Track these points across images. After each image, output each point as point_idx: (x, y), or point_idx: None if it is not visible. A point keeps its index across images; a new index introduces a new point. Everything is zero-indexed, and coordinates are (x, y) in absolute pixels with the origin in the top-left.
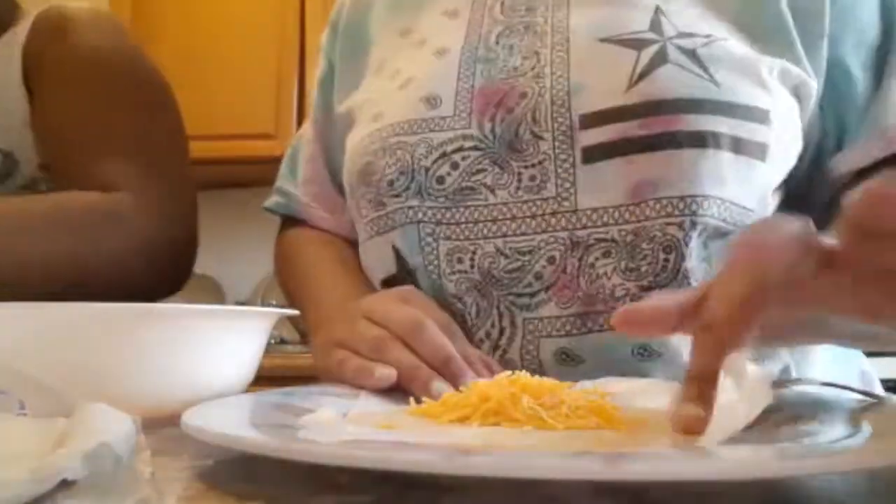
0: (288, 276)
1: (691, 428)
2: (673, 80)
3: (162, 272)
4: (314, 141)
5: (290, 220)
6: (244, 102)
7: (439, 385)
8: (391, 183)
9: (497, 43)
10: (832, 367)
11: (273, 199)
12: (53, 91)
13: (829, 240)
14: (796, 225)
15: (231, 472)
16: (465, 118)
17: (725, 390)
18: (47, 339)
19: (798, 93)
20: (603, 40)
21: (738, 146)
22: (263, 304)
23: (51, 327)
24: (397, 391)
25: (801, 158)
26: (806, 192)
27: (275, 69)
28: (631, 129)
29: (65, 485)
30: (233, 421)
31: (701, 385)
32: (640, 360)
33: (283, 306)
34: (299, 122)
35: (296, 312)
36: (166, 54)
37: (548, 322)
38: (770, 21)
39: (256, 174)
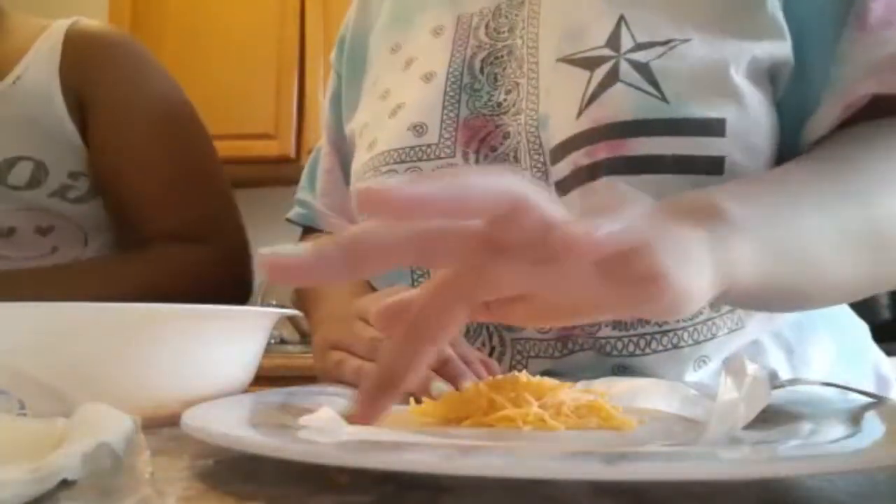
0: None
1: (355, 419)
2: (621, 102)
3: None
4: (330, 153)
5: (309, 230)
6: (244, 102)
7: (439, 385)
8: None
9: (482, 71)
10: (836, 366)
11: (294, 211)
12: (110, 133)
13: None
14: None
15: (231, 472)
16: (450, 147)
17: (725, 390)
18: (47, 339)
19: (773, 74)
20: (561, 60)
21: (688, 165)
22: (263, 304)
23: (51, 327)
24: None
25: (790, 135)
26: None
27: (275, 69)
28: (579, 157)
29: (65, 485)
30: (233, 421)
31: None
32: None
33: (283, 306)
34: (299, 122)
35: (296, 312)
36: (167, 54)
37: (532, 343)
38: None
39: (256, 174)
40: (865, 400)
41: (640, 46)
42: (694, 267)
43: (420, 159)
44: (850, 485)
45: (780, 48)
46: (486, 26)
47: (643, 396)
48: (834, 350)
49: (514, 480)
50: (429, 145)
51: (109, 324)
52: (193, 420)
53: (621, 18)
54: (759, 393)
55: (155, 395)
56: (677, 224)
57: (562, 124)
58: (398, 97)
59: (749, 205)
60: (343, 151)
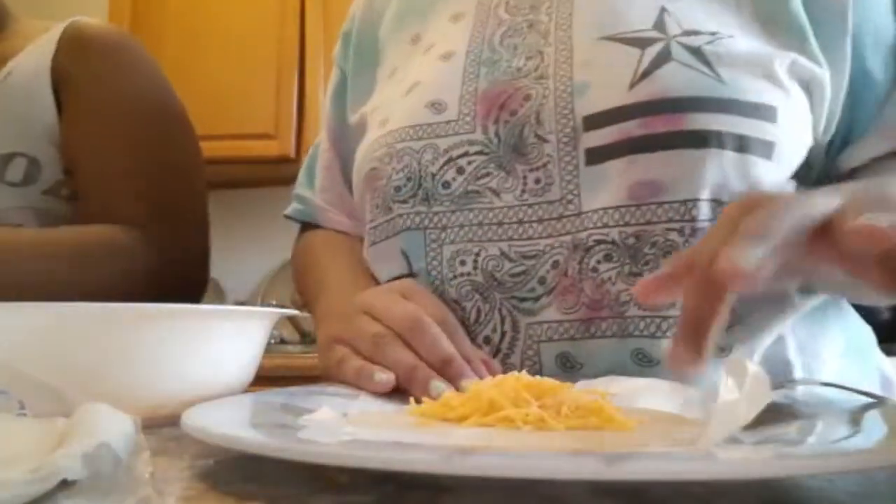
0: (303, 278)
1: (683, 369)
2: (676, 79)
3: (167, 297)
4: (329, 150)
5: (308, 226)
6: (244, 102)
7: (438, 385)
8: (398, 189)
9: (501, 44)
10: (843, 364)
11: (293, 207)
12: (82, 118)
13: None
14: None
15: (231, 472)
16: (470, 122)
17: (726, 390)
18: (47, 339)
19: (809, 87)
20: (605, 38)
21: (743, 145)
22: (263, 304)
23: (51, 327)
24: (397, 391)
25: (810, 156)
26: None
27: (275, 69)
28: (633, 128)
29: (65, 485)
30: (232, 421)
31: (691, 328)
32: (640, 367)
33: (283, 306)
34: (299, 122)
35: (296, 312)
36: (167, 54)
37: (548, 327)
38: (782, 16)
39: (256, 174)
40: (866, 400)
41: (686, 33)
42: None
43: (438, 136)
44: (850, 485)
45: (817, 69)
46: (507, 4)
47: (644, 397)
48: (842, 346)
49: (514, 480)
50: (447, 122)
51: (109, 324)
52: (193, 420)
53: (662, 9)
54: (759, 393)
55: (155, 395)
56: None
57: (608, 94)
58: (414, 77)
59: None
60: (343, 147)
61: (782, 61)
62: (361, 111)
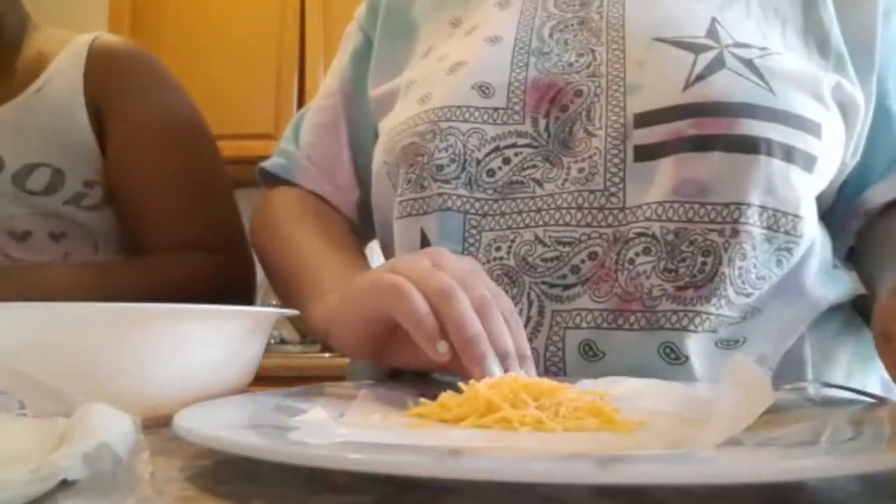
0: (272, 240)
1: None
2: (730, 85)
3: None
4: (340, 105)
5: (275, 185)
6: (244, 102)
7: (494, 367)
8: (440, 168)
9: (550, 36)
10: (853, 367)
11: (273, 161)
12: (126, 146)
13: None
14: None
15: (230, 473)
16: (519, 112)
17: (727, 391)
18: (47, 339)
19: (847, 110)
20: (659, 40)
21: (790, 155)
22: (263, 304)
23: (51, 327)
24: (395, 392)
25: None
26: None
27: (275, 69)
28: (684, 128)
29: (65, 485)
30: (224, 422)
31: None
32: (666, 363)
33: (283, 306)
34: None
35: (296, 312)
36: (167, 54)
37: (577, 314)
38: (826, 42)
39: (256, 174)
40: (866, 401)
41: (738, 45)
42: None
43: (485, 122)
44: (850, 485)
45: (856, 94)
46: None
47: (644, 397)
48: (851, 349)
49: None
50: (496, 109)
51: (109, 324)
52: (185, 422)
53: (714, 20)
54: (760, 394)
55: (155, 395)
56: None
57: (661, 94)
58: (457, 57)
59: None
60: (357, 114)
61: (828, 82)
62: (387, 86)
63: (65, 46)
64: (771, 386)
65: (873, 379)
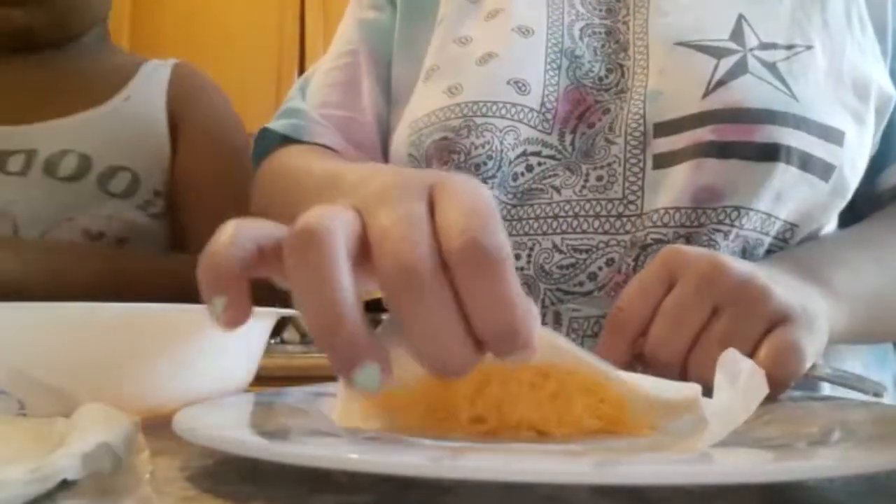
0: (285, 190)
1: None
2: (751, 91)
3: None
4: (361, 66)
5: (280, 146)
6: (244, 102)
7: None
8: (478, 167)
9: (580, 38)
10: (868, 364)
11: (281, 122)
12: (195, 149)
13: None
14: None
15: (231, 472)
16: (549, 121)
17: (720, 388)
18: (47, 339)
19: (880, 107)
20: (681, 44)
21: (807, 163)
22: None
23: (51, 327)
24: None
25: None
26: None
27: (275, 69)
28: (704, 133)
29: (65, 485)
30: (224, 422)
31: None
32: None
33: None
34: None
35: (295, 312)
36: (166, 52)
37: (595, 321)
38: (867, 31)
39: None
40: (867, 401)
41: (764, 46)
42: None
43: (521, 121)
44: (850, 485)
45: (891, 89)
46: None
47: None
48: (864, 351)
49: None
50: (531, 109)
51: (109, 324)
52: (184, 422)
53: (741, 17)
54: (754, 386)
55: (155, 395)
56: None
57: (681, 101)
58: (485, 46)
59: (847, 276)
60: (383, 67)
61: (868, 79)
62: (409, 68)
63: (142, 63)
64: (763, 377)
65: (887, 376)
